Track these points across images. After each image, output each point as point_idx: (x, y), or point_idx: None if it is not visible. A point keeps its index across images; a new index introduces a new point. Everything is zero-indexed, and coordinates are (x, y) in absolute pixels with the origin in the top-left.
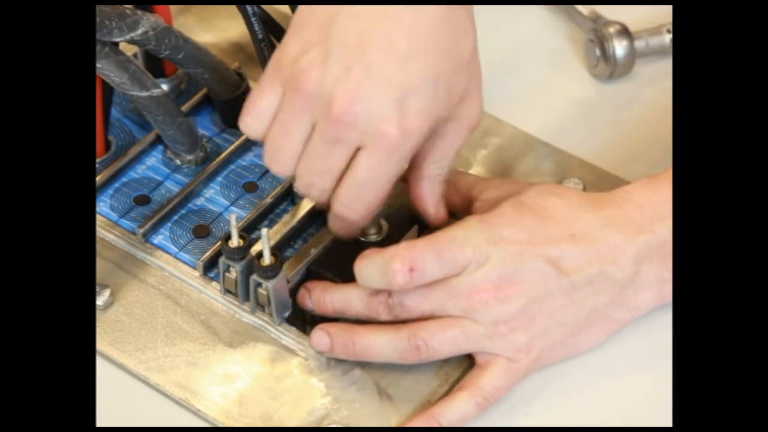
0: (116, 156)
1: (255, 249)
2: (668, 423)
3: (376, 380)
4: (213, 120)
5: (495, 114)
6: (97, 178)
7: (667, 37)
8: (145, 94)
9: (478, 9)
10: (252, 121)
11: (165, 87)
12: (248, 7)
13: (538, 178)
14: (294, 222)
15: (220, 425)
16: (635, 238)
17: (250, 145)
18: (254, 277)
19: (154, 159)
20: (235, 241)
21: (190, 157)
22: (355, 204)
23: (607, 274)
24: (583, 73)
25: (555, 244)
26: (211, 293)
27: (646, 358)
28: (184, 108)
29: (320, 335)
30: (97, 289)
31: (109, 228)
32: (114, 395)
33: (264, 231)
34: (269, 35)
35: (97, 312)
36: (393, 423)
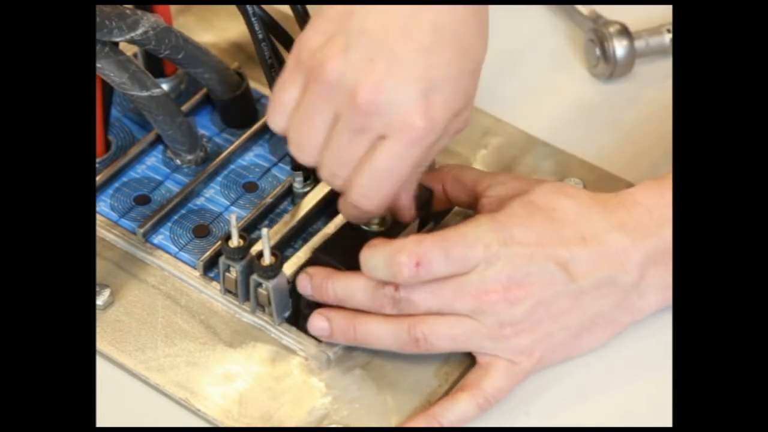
0: (116, 156)
1: (255, 249)
2: (668, 423)
3: (376, 380)
4: (213, 120)
5: (495, 114)
6: (97, 178)
7: (667, 37)
8: (145, 94)
9: None
10: (278, 117)
11: (165, 87)
12: (248, 7)
13: (538, 177)
14: (294, 222)
15: (220, 425)
16: (643, 243)
17: (250, 145)
18: (254, 277)
19: (154, 159)
20: (235, 241)
21: (190, 157)
22: (373, 193)
23: (614, 279)
24: (583, 73)
25: (565, 247)
26: (211, 293)
27: (646, 359)
28: (184, 108)
29: (319, 319)
30: (97, 289)
31: (109, 228)
32: (114, 395)
33: (264, 231)
34: (269, 35)
35: (97, 312)
36: (393, 423)
